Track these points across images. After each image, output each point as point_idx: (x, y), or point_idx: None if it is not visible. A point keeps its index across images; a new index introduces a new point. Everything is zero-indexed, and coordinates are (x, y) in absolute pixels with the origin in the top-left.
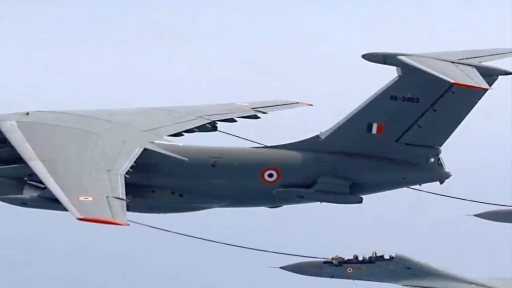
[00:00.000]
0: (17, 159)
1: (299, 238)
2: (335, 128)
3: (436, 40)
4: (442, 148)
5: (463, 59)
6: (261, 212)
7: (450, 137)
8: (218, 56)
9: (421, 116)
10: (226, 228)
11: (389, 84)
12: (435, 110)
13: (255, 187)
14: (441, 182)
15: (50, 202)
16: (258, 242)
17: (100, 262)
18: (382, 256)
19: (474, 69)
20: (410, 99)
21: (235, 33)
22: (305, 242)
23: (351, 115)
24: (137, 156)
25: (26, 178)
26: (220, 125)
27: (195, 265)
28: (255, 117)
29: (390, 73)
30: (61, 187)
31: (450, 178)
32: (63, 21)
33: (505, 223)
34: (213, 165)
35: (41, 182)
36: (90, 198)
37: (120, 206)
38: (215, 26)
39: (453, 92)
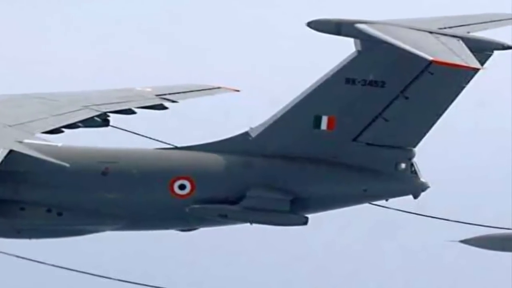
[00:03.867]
0: None
1: (221, 274)
2: (270, 122)
3: (409, 2)
4: (416, 150)
5: (445, 28)
6: (169, 237)
7: (428, 135)
8: (108, 23)
9: (387, 106)
10: (123, 258)
11: (344, 63)
12: (406, 98)
13: (162, 203)
14: (416, 196)
15: None
16: (165, 278)
17: None
18: None
19: (461, 41)
20: (372, 83)
21: None
22: (229, 279)
23: (292, 105)
24: None
25: None
26: (113, 118)
27: None
28: (161, 107)
29: (345, 48)
30: None
31: (428, 190)
32: None
33: (502, 252)
34: (104, 173)
35: None
36: None
37: None
38: None
39: (432, 74)
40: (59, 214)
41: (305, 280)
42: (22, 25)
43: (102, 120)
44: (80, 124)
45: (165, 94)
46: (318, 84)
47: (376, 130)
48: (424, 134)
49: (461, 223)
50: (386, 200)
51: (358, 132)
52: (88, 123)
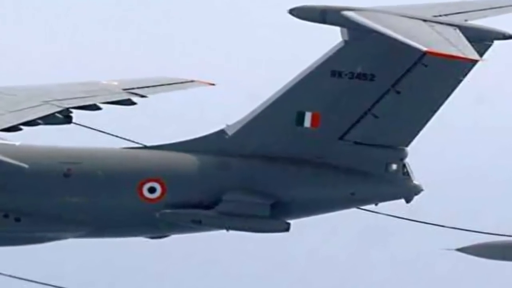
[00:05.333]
0: None
1: (194, 286)
2: (248, 119)
3: None
4: (409, 149)
5: (441, 15)
6: (137, 246)
7: (421, 133)
8: (68, 11)
9: (377, 102)
10: (87, 268)
11: (330, 54)
12: (398, 93)
13: (129, 208)
14: (408, 200)
15: None
16: None
17: None
18: None
19: (458, 30)
20: (361, 76)
21: None
22: None
23: (273, 100)
24: None
25: None
26: (76, 114)
27: None
28: (129, 102)
29: (331, 37)
30: None
31: (421, 193)
32: None
33: (503, 261)
34: (66, 175)
35: None
36: None
37: None
38: None
39: (426, 66)
40: (17, 219)
41: None
42: None
43: (64, 117)
44: (40, 121)
45: (133, 88)
46: (301, 77)
47: (364, 128)
48: (418, 132)
49: (458, 229)
50: (376, 204)
51: (345, 129)
52: (49, 120)
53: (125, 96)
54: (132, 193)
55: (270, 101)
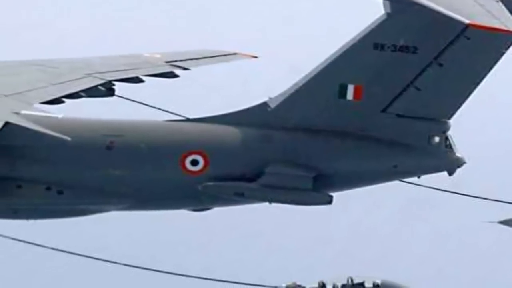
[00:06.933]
0: None
1: (237, 257)
2: (291, 92)
3: None
4: (451, 122)
5: None
6: (180, 218)
7: (463, 106)
8: None
9: (420, 74)
10: (130, 240)
11: (372, 26)
12: (440, 65)
13: (172, 181)
14: (451, 173)
15: None
16: (176, 261)
17: None
18: (362, 284)
19: (500, 3)
20: (403, 49)
21: None
22: (246, 262)
23: (316, 72)
24: None
25: None
26: (119, 87)
27: None
28: (171, 75)
29: (374, 10)
30: None
31: (464, 166)
32: None
33: None
34: (109, 148)
35: None
36: None
37: None
38: None
39: (468, 38)
40: (60, 192)
41: (329, 266)
42: None
43: (106, 89)
44: (82, 94)
45: (175, 61)
46: (344, 50)
47: (407, 100)
48: (460, 104)
49: (500, 202)
50: (418, 177)
51: (387, 102)
52: (91, 92)
53: (167, 69)
54: (174, 165)
55: (313, 74)
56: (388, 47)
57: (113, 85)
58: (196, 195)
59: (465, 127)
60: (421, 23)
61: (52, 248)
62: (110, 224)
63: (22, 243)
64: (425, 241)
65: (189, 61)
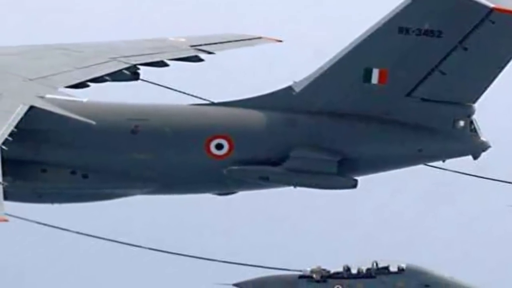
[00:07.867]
0: None
1: (262, 241)
2: (316, 76)
3: None
4: (476, 106)
5: None
6: (205, 202)
7: (488, 90)
8: None
9: (445, 58)
10: (154, 224)
11: (397, 10)
12: (465, 49)
13: (197, 165)
14: (476, 157)
15: None
16: (200, 245)
17: None
18: (386, 268)
19: None
20: (428, 33)
21: None
22: (271, 246)
23: (340, 56)
24: (19, 118)
25: None
26: (144, 71)
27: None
28: (196, 59)
29: None
30: None
31: (489, 150)
32: None
33: None
34: (134, 132)
35: None
36: None
37: None
38: None
39: (493, 22)
40: (85, 176)
41: (354, 249)
42: None
43: (131, 73)
44: (107, 78)
45: (200, 45)
46: (369, 34)
47: (432, 84)
48: (485, 88)
49: None
50: (443, 161)
51: (412, 86)
52: (116, 76)
53: (192, 53)
54: (199, 149)
55: (338, 58)
56: (413, 31)
57: (138, 69)
58: (221, 179)
59: (490, 111)
60: (446, 7)
61: (77, 232)
62: (135, 208)
63: (47, 227)
64: (450, 225)
65: (214, 45)
